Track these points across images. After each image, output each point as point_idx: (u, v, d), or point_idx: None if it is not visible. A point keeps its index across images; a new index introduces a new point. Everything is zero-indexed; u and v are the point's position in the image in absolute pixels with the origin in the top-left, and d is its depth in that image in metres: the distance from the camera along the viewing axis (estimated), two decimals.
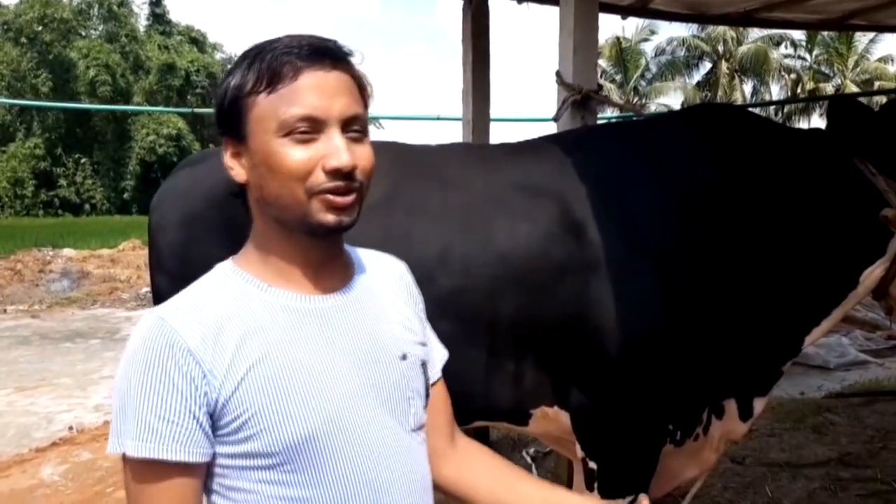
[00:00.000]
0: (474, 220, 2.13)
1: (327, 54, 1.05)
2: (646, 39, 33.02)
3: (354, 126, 1.05)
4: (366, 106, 1.11)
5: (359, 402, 1.06)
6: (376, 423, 1.07)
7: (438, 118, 9.85)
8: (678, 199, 2.11)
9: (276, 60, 1.03)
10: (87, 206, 33.94)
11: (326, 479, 1.02)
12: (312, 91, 1.02)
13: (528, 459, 4.09)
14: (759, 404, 2.26)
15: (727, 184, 2.13)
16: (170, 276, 2.34)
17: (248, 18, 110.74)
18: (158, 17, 38.72)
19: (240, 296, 1.05)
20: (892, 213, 2.06)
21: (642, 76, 32.71)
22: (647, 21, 29.60)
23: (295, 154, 1.02)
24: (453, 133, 24.75)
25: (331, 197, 1.02)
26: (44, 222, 25.89)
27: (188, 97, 34.68)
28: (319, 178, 1.02)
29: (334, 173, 1.02)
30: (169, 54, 35.55)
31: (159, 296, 2.40)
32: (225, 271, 1.10)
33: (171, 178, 2.53)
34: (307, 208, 1.03)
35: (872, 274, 2.16)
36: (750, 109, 2.99)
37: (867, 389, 5.71)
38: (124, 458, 0.98)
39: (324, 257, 1.11)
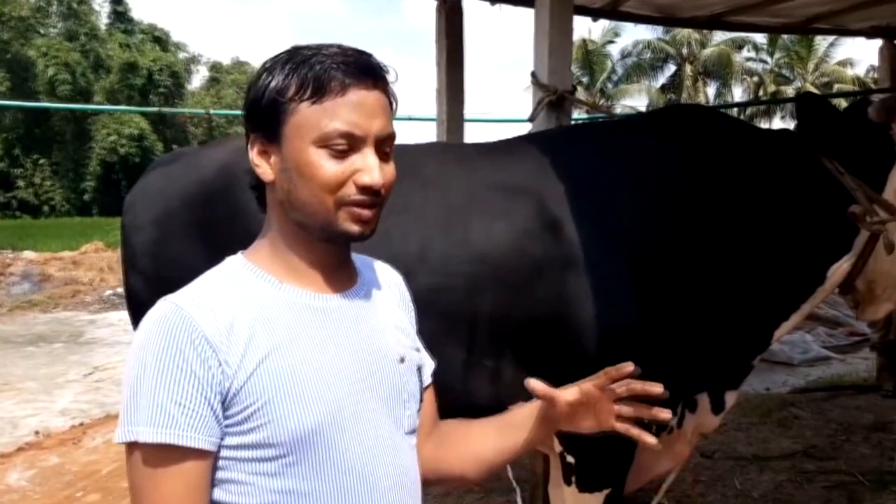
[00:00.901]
0: (453, 219, 2.14)
1: (371, 73, 1.08)
2: (611, 42, 33.44)
3: (386, 146, 1.10)
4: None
5: (359, 400, 1.08)
6: (375, 421, 1.09)
7: (410, 118, 9.83)
8: (652, 198, 2.15)
9: (325, 73, 1.05)
10: (45, 208, 33.18)
11: (324, 473, 1.03)
12: (355, 109, 1.06)
13: None
14: (730, 398, 2.32)
15: (700, 182, 2.17)
16: (144, 276, 2.32)
17: (211, 18, 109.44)
18: (120, 15, 38.02)
19: (251, 290, 1.07)
20: (860, 209, 2.12)
21: (609, 78, 33.07)
22: (612, 24, 30.02)
23: (330, 167, 1.05)
24: (425, 133, 24.78)
25: (357, 210, 1.07)
26: (2, 224, 25.25)
27: (151, 97, 34.10)
28: (350, 191, 1.06)
29: (365, 190, 1.06)
30: (131, 53, 34.92)
31: (134, 297, 2.37)
32: (236, 265, 1.11)
33: (144, 177, 2.50)
34: (333, 217, 1.07)
35: (839, 270, 2.23)
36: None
37: (830, 384, 5.86)
38: (134, 447, 0.97)
39: (335, 260, 1.14)
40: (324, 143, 1.05)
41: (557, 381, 2.07)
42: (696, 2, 4.58)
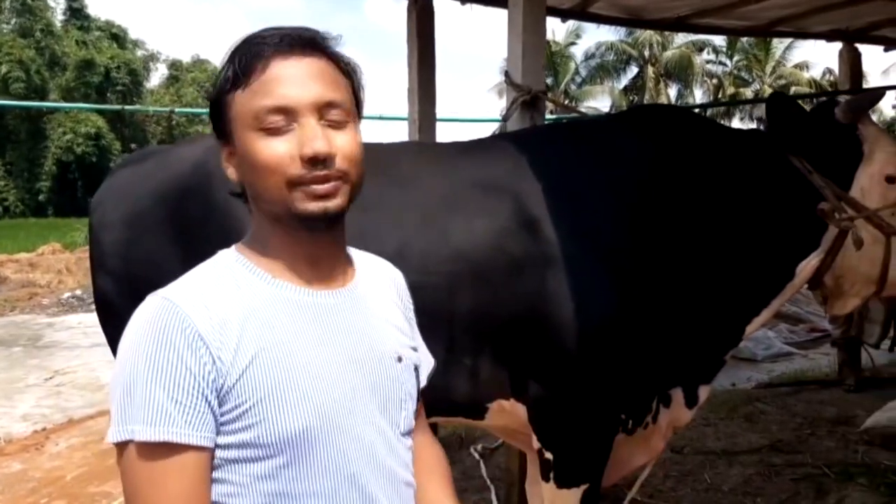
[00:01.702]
0: (430, 217, 2.14)
1: (300, 43, 1.03)
2: (573, 43, 33.73)
3: (332, 112, 1.03)
4: (354, 91, 1.09)
5: (354, 400, 1.05)
6: (369, 422, 1.06)
7: (381, 118, 9.79)
8: (627, 196, 2.17)
9: (249, 54, 1.02)
10: None
11: (316, 475, 1.00)
12: (282, 81, 1.01)
13: (477, 456, 4.12)
14: (703, 392, 2.36)
15: (674, 180, 2.20)
16: (113, 276, 2.28)
17: (170, 15, 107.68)
18: (76, 12, 37.28)
19: (243, 285, 1.04)
20: (829, 206, 2.17)
21: (573, 80, 33.37)
22: (575, 25, 30.30)
23: (269, 146, 1.00)
24: (396, 132, 24.71)
25: (311, 187, 1.01)
26: None
27: (108, 95, 33.45)
28: (297, 169, 1.00)
29: (311, 162, 1.00)
30: (87, 50, 34.27)
31: (103, 297, 2.33)
32: (228, 260, 1.08)
33: (113, 175, 2.46)
34: (290, 200, 1.01)
35: (808, 266, 2.27)
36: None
37: (794, 380, 5.98)
38: (127, 447, 0.94)
39: (322, 251, 1.10)
40: (259, 125, 1.00)
41: (536, 378, 2.10)
42: (663, 4, 4.63)
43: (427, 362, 1.28)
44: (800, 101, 2.64)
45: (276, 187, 1.01)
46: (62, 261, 13.85)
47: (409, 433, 1.16)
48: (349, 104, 1.06)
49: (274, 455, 0.98)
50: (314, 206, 1.01)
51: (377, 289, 1.19)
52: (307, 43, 1.04)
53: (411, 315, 1.29)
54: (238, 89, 1.02)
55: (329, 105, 1.02)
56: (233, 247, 1.11)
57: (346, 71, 1.08)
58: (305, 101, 1.01)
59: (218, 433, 0.97)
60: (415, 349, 1.21)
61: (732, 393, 5.53)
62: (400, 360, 1.14)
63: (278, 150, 1.00)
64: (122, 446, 0.95)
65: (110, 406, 0.97)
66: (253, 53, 1.02)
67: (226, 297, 1.01)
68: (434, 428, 4.19)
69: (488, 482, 3.79)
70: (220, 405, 0.96)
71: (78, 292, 11.18)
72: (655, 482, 3.79)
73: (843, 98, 2.39)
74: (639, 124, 2.39)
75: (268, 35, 1.03)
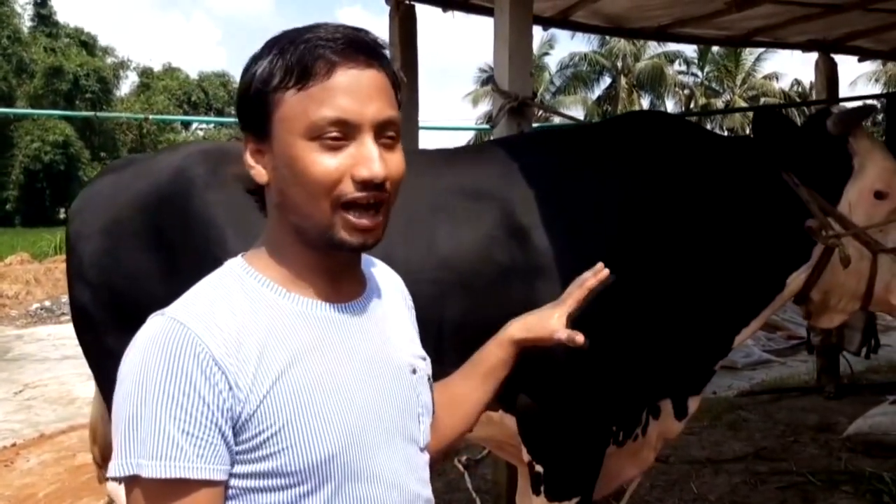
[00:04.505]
0: (418, 225, 2.10)
1: (363, 49, 0.96)
2: (546, 53, 34.03)
3: (388, 131, 0.97)
4: (399, 107, 1.02)
5: (377, 419, 0.99)
6: (392, 442, 1.01)
7: None
8: (616, 204, 2.15)
9: (308, 54, 0.94)
10: None
11: (342, 501, 0.95)
12: (347, 92, 0.94)
13: (461, 468, 4.07)
14: (692, 403, 2.34)
15: (664, 189, 2.18)
16: (92, 287, 2.21)
17: (140, 23, 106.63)
18: (44, 19, 36.72)
19: (256, 300, 0.97)
20: (816, 223, 2.16)
21: (547, 89, 33.61)
22: (548, 36, 30.54)
23: (323, 161, 0.94)
24: None
25: (356, 218, 0.95)
26: None
27: (77, 102, 32.91)
28: (348, 189, 0.94)
29: (365, 185, 0.94)
30: (56, 57, 33.73)
31: (81, 308, 2.26)
32: (237, 271, 1.00)
33: (92, 184, 2.42)
34: (331, 223, 0.95)
35: (798, 278, 2.26)
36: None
37: (774, 387, 6.03)
38: (135, 481, 0.87)
39: (342, 267, 1.04)
40: (314, 134, 0.93)
41: (524, 389, 2.06)
42: (644, 13, 4.66)
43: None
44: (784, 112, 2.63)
45: (319, 205, 0.95)
46: (30, 271, 13.55)
47: (426, 448, 1.10)
48: (400, 123, 1.01)
49: (299, 483, 0.92)
50: (354, 240, 0.97)
51: (386, 298, 1.14)
52: (370, 49, 0.97)
53: (414, 320, 1.24)
54: (290, 89, 0.94)
55: (387, 123, 0.97)
56: (240, 256, 1.04)
57: (397, 84, 1.02)
58: (368, 117, 0.95)
59: (235, 462, 0.90)
60: (424, 358, 1.16)
61: (714, 401, 5.55)
62: (415, 371, 1.09)
63: (331, 167, 0.94)
64: (128, 481, 0.88)
65: (112, 437, 0.90)
66: (314, 54, 0.94)
67: (239, 315, 0.93)
68: None
69: (473, 494, 3.75)
70: (238, 434, 0.89)
71: (47, 303, 10.97)
72: (642, 492, 3.77)
73: (835, 109, 2.39)
74: (630, 131, 2.37)
75: (328, 34, 0.95)
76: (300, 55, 0.94)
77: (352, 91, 0.94)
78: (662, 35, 5.15)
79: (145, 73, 39.58)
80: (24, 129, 31.61)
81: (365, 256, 1.16)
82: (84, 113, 28.30)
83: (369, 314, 1.06)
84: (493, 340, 1.37)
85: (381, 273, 1.19)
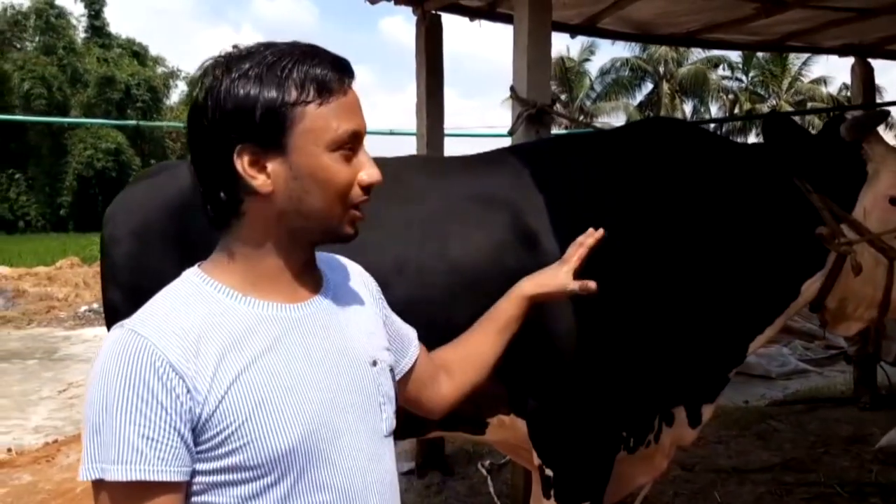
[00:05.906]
0: (430, 231, 2.14)
1: (350, 70, 1.08)
2: (587, 59, 33.81)
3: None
4: None
5: (336, 411, 1.05)
6: (352, 431, 1.07)
7: (392, 133, 9.86)
8: (630, 210, 2.16)
9: (323, 72, 1.03)
10: (21, 224, 32.80)
11: (305, 491, 1.00)
12: (356, 108, 1.07)
13: (484, 472, 4.09)
14: (707, 411, 2.31)
15: (677, 195, 2.18)
16: (123, 290, 2.29)
17: (190, 33, 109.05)
18: (97, 30, 37.88)
19: (212, 305, 1.02)
20: (827, 230, 2.14)
21: (587, 95, 33.39)
22: (589, 41, 30.34)
23: (345, 170, 1.06)
24: (407, 147, 24.84)
25: (358, 213, 1.10)
26: None
27: (128, 111, 33.86)
28: (357, 193, 1.08)
29: (368, 189, 1.08)
30: (108, 67, 34.78)
31: (113, 310, 2.33)
32: (193, 280, 1.06)
33: (127, 189, 2.48)
34: (339, 221, 1.08)
35: (813, 285, 2.24)
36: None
37: (808, 397, 5.89)
38: (101, 485, 0.93)
39: (303, 266, 1.12)
40: (336, 146, 1.04)
41: (534, 393, 2.08)
42: (672, 19, 4.62)
43: (412, 335, 1.37)
44: (805, 117, 2.61)
45: (335, 208, 1.06)
46: (80, 274, 13.98)
47: (391, 434, 1.16)
48: None
49: (262, 476, 0.98)
50: (352, 231, 1.11)
51: (346, 293, 1.20)
52: (351, 69, 1.09)
53: (382, 307, 1.30)
54: (311, 103, 1.02)
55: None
56: (196, 266, 1.09)
57: None
58: (364, 129, 1.09)
59: (202, 460, 0.96)
60: (388, 349, 1.22)
61: (745, 410, 5.47)
62: (375, 363, 1.15)
63: (350, 175, 1.06)
64: (95, 484, 0.94)
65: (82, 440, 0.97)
66: (328, 73, 1.03)
67: (195, 321, 0.99)
68: (441, 444, 4.19)
69: (495, 498, 3.77)
70: (199, 434, 0.95)
71: (94, 306, 11.28)
72: (665, 500, 3.75)
73: (850, 115, 2.35)
74: (643, 138, 2.38)
75: (328, 56, 1.06)
76: (315, 74, 1.03)
77: (357, 106, 1.08)
78: (692, 41, 5.10)
79: (193, 82, 40.48)
80: (77, 137, 32.68)
81: (327, 255, 1.24)
82: (129, 122, 29.08)
83: (327, 310, 1.12)
84: (506, 298, 1.58)
85: (343, 269, 1.25)
